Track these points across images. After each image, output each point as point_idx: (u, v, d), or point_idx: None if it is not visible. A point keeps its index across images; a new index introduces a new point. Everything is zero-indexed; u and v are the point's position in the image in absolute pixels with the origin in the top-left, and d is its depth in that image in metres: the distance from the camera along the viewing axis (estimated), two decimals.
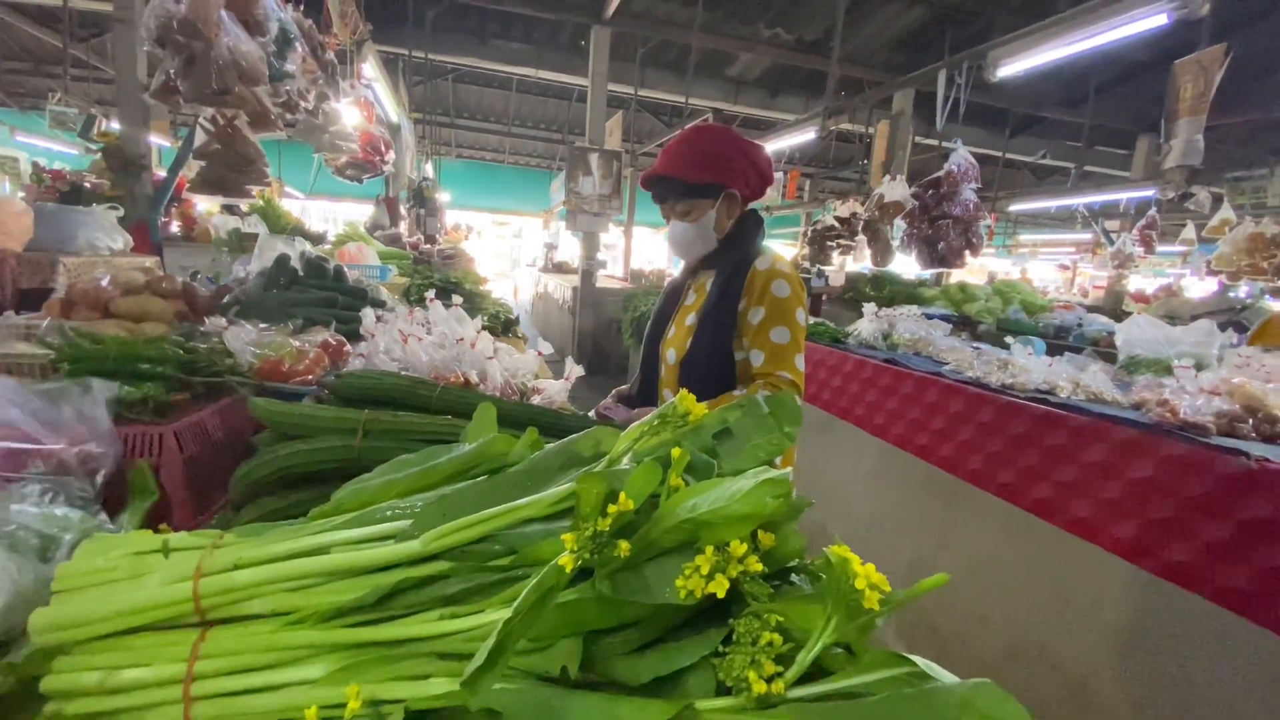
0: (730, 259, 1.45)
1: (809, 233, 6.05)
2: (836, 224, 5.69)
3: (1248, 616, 1.39)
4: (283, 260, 1.89)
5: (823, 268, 5.95)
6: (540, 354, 1.53)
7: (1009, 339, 2.47)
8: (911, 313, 3.18)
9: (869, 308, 3.20)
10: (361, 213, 7.62)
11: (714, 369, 1.40)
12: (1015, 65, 3.25)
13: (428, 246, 5.55)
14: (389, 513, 0.53)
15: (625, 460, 0.48)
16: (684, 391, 0.50)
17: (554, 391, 1.40)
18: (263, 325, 1.57)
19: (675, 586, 0.38)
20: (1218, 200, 5.78)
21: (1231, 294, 5.26)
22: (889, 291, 4.93)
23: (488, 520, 0.48)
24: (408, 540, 0.49)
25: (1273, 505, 1.38)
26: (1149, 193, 5.95)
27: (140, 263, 2.15)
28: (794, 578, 0.50)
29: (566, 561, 0.36)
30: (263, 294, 1.79)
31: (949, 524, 2.31)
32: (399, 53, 6.98)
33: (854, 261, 6.30)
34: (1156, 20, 2.61)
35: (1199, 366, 2.19)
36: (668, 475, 0.43)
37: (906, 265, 4.73)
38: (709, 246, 1.48)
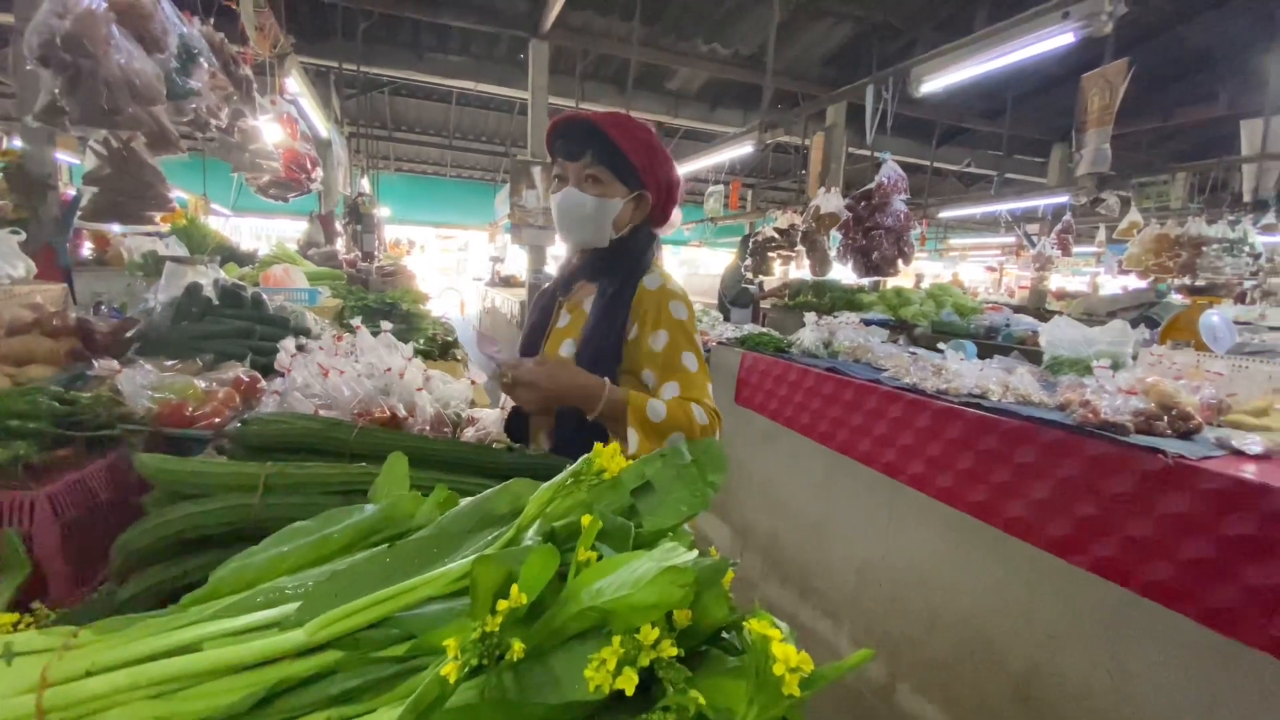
0: (616, 273, 1.28)
1: (750, 244, 6.15)
2: (776, 235, 5.81)
3: (1172, 607, 1.45)
4: (194, 289, 1.77)
5: (764, 278, 6.08)
6: (474, 381, 1.46)
7: (941, 345, 2.55)
8: (850, 320, 3.25)
9: (810, 316, 3.26)
10: (296, 229, 7.31)
11: None
12: (937, 80, 3.39)
13: (365, 264, 5.35)
14: (274, 595, 0.48)
15: (532, 531, 0.44)
16: (599, 445, 0.46)
17: (489, 421, 1.34)
18: (169, 362, 1.45)
19: (585, 678, 0.34)
20: (1126, 204, 6.19)
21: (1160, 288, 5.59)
22: (830, 298, 5.05)
23: (383, 601, 0.43)
24: (292, 629, 0.44)
25: (1189, 501, 1.45)
26: (1064, 198, 6.32)
27: (32, 296, 1.97)
28: (725, 634, 0.48)
29: (450, 671, 0.31)
30: (171, 327, 1.66)
31: (895, 528, 2.35)
32: (329, 65, 6.76)
33: (796, 270, 6.44)
34: (1064, 38, 2.77)
35: (1116, 365, 2.30)
36: (578, 545, 0.39)
37: (845, 273, 4.86)
38: (600, 239, 1.29)
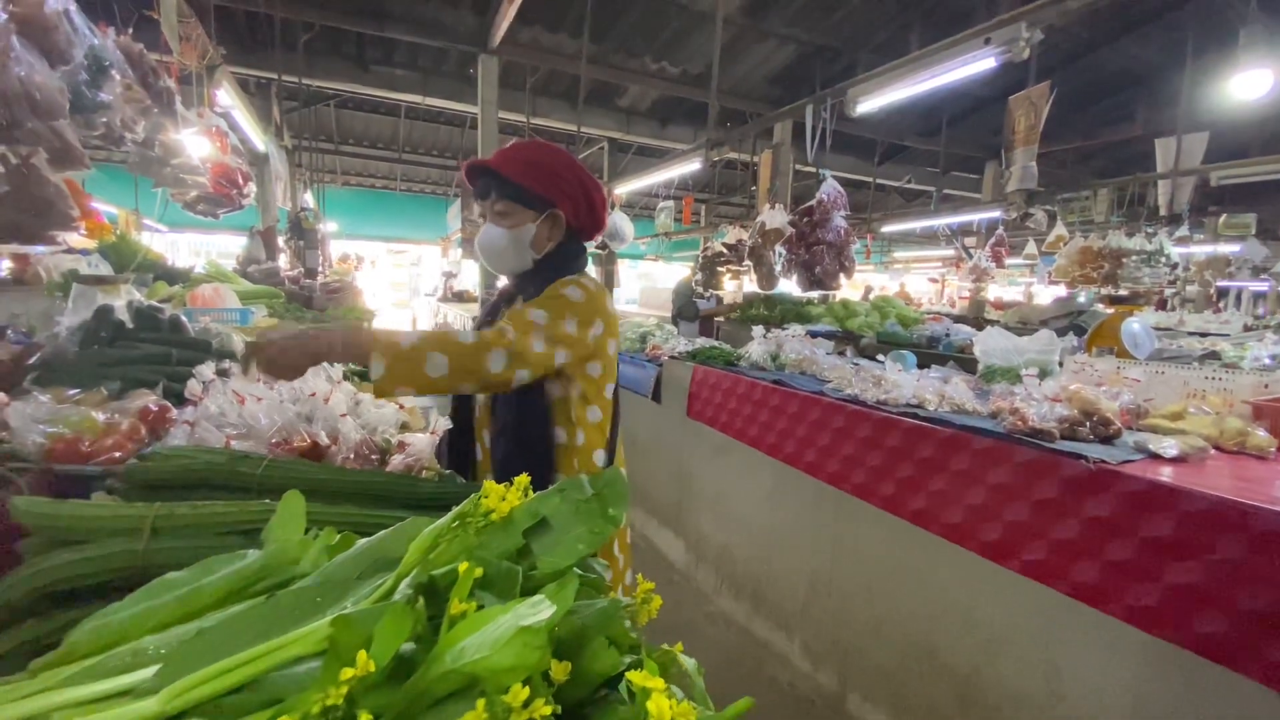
0: (544, 286, 1.33)
1: (700, 258, 6.23)
2: (725, 250, 5.90)
3: (1099, 607, 1.51)
4: (104, 311, 1.66)
5: (715, 292, 6.16)
6: (401, 406, 1.42)
7: (880, 356, 2.61)
8: (797, 333, 3.31)
9: (758, 329, 3.30)
10: (238, 245, 7.02)
11: (526, 404, 1.27)
12: (871, 101, 3.52)
13: (309, 281, 5.18)
14: (135, 657, 0.44)
15: (405, 582, 0.41)
16: (489, 483, 0.44)
17: (420, 447, 1.29)
18: (71, 392, 1.36)
19: None
20: (1052, 218, 6.53)
21: (1080, 298, 5.89)
22: (780, 311, 5.15)
23: (249, 662, 0.40)
24: (147, 696, 0.40)
25: (1111, 503, 1.51)
26: (996, 213, 6.62)
27: None
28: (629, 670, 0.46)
29: None
30: (77, 353, 1.55)
31: (841, 538, 2.38)
32: (269, 77, 6.55)
33: (750, 284, 6.54)
34: (986, 62, 2.92)
35: (1043, 373, 2.40)
36: (452, 597, 0.37)
37: (792, 287, 4.98)
38: (522, 263, 1.36)
